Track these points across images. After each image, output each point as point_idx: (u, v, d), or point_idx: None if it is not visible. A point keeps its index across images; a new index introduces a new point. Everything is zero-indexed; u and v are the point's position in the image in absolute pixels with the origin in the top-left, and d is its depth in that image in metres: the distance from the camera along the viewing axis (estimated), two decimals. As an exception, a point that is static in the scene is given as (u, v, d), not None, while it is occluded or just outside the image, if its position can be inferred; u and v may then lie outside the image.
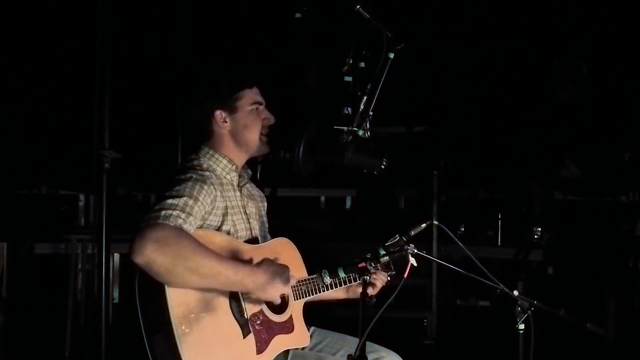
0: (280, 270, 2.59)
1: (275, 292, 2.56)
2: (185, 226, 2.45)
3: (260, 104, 2.79)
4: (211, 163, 2.75)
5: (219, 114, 2.74)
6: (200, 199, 2.55)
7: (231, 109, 2.75)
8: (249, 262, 2.61)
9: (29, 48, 5.89)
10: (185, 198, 2.50)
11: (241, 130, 2.76)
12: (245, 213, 2.79)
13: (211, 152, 2.76)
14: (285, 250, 2.81)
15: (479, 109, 6.46)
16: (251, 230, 2.79)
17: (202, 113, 2.76)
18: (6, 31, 5.74)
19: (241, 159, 2.81)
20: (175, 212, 2.45)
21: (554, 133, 6.12)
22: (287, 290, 2.65)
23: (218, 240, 2.58)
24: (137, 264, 2.38)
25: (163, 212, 2.44)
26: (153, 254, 2.36)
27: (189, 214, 2.48)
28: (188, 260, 2.39)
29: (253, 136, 2.77)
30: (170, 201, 2.48)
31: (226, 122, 2.75)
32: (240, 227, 2.72)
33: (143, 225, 2.41)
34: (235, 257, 2.58)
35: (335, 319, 3.06)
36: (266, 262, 2.60)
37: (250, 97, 2.77)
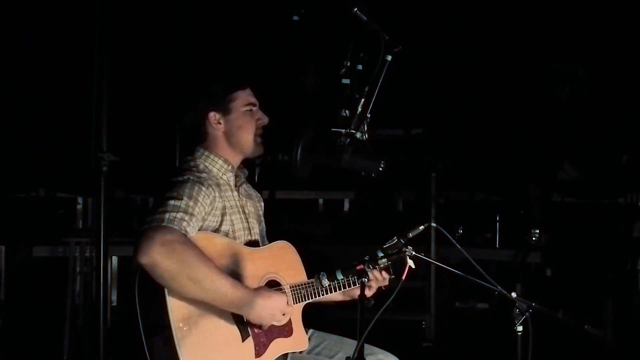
0: (279, 300, 2.59)
1: (267, 316, 2.55)
2: (189, 229, 2.47)
3: (254, 105, 2.79)
4: (207, 164, 2.74)
5: (213, 116, 2.74)
6: (200, 199, 2.56)
7: (225, 110, 2.74)
8: (248, 269, 2.61)
9: (27, 51, 5.89)
10: (186, 199, 2.51)
11: (235, 131, 2.75)
12: (244, 212, 2.79)
13: (206, 153, 2.76)
14: (285, 254, 2.81)
15: (477, 111, 6.46)
16: (250, 230, 2.79)
17: (196, 115, 2.75)
18: (4, 33, 5.73)
19: (236, 159, 2.80)
20: (179, 215, 2.46)
21: (551, 135, 6.13)
22: (279, 317, 2.62)
23: (218, 243, 2.58)
24: (142, 264, 2.39)
25: (167, 215, 2.45)
26: (159, 257, 2.37)
27: (192, 215, 2.50)
28: (192, 269, 2.40)
29: (247, 137, 2.76)
30: (172, 202, 2.49)
31: (220, 123, 2.74)
32: (239, 226, 2.72)
33: (148, 227, 2.42)
34: (235, 260, 2.58)
35: (334, 322, 3.05)
36: (266, 290, 2.60)
37: (244, 98, 2.76)
